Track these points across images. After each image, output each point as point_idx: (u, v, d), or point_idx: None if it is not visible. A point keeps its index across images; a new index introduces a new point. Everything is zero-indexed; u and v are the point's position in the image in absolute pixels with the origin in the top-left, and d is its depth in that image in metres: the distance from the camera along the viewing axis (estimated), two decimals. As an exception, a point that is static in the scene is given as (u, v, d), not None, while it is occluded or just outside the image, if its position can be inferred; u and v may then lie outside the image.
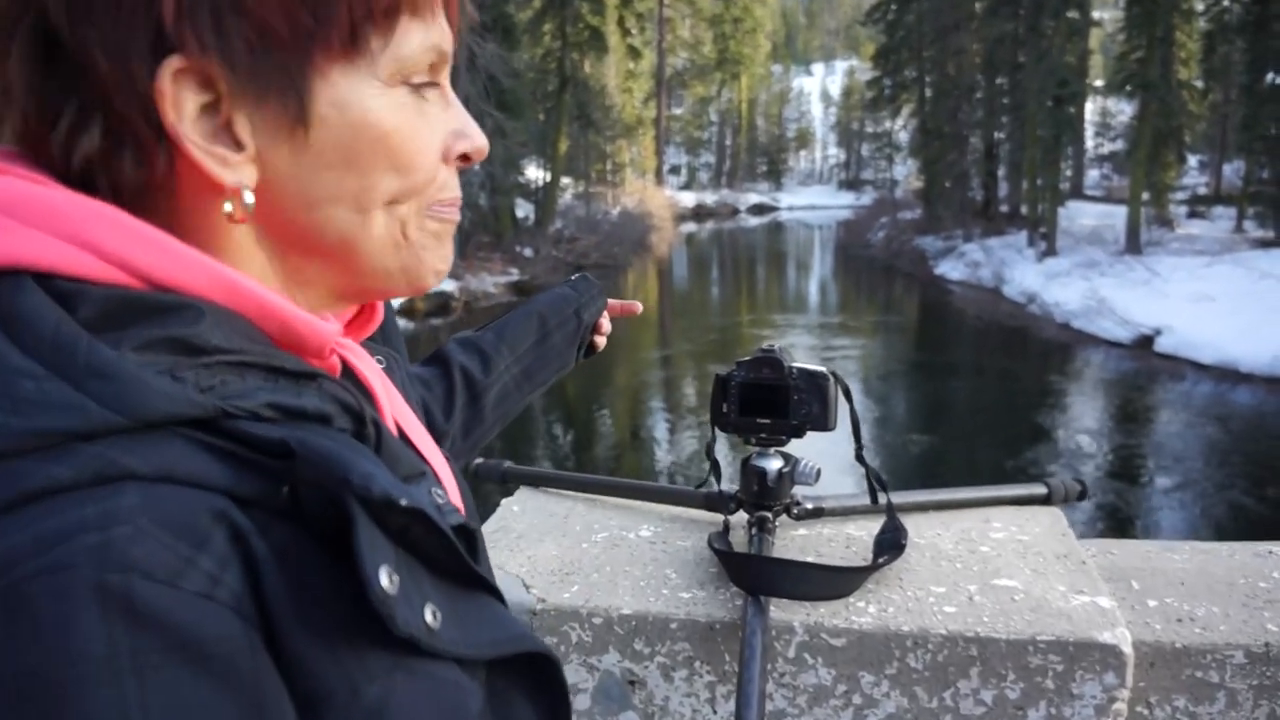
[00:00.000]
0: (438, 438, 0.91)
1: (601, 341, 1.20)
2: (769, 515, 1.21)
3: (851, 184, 72.10)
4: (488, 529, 1.38)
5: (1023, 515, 1.33)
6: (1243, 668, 1.05)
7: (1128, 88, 26.38)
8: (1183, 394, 13.99)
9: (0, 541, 0.34)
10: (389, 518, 0.40)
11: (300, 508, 0.40)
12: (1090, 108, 44.11)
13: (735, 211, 64.66)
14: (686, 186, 69.08)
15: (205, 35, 0.42)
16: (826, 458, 1.26)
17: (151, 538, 0.35)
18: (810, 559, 1.21)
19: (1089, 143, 48.13)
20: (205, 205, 0.46)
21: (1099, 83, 45.80)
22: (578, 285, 1.15)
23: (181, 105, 0.43)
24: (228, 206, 0.46)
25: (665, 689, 1.12)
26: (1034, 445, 11.31)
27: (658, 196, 51.15)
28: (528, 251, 28.64)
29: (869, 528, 1.28)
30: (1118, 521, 8.64)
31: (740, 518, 1.26)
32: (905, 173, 48.78)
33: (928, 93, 34.69)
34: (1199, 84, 30.79)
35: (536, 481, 1.53)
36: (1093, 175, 50.44)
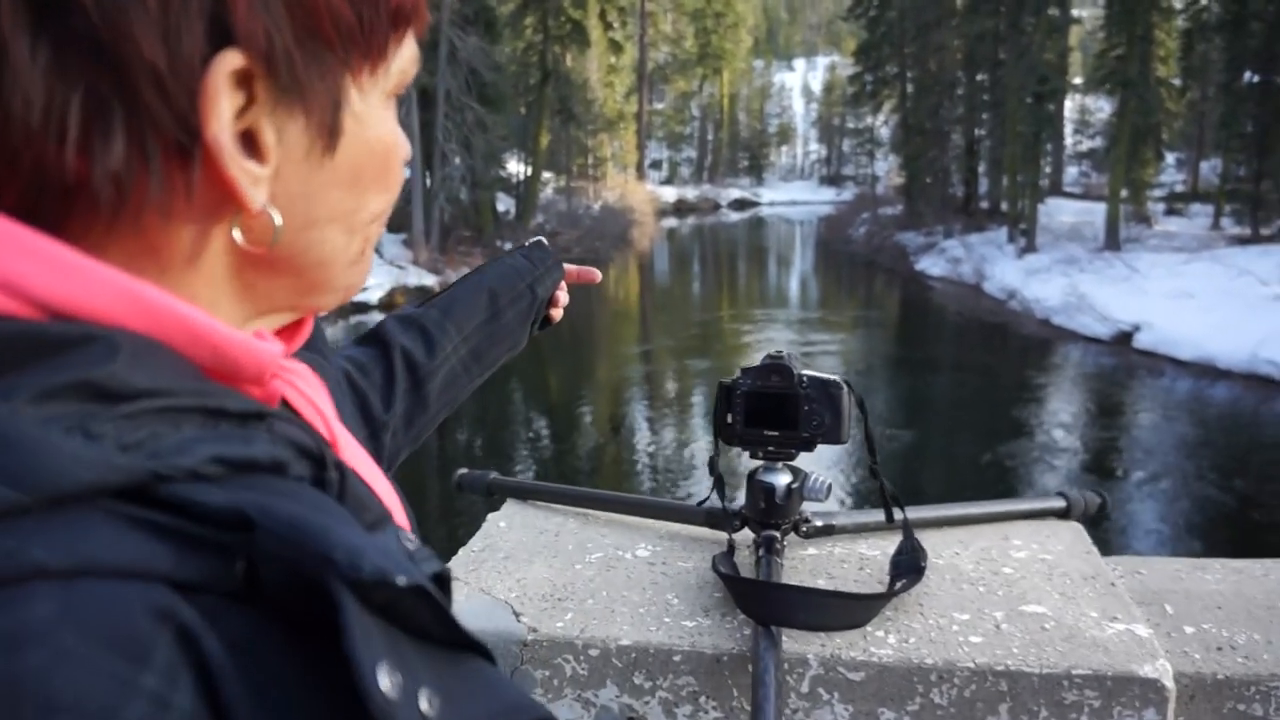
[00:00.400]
0: (377, 430, 0.82)
1: (557, 314, 1.11)
2: (777, 535, 1.13)
3: (833, 180, 72.18)
4: (473, 547, 1.28)
5: (1043, 531, 1.26)
6: (1290, 700, 0.98)
7: (1107, 85, 26.51)
8: (1162, 390, 14.06)
9: None
10: (376, 595, 0.33)
11: (258, 587, 0.32)
12: (1069, 105, 44.36)
13: (717, 206, 64.62)
14: (668, 181, 68.99)
15: (269, 29, 0.37)
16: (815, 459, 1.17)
17: (77, 661, 0.26)
18: (821, 582, 1.12)
19: (1068, 140, 48.42)
20: (202, 232, 0.39)
21: (1078, 80, 46.06)
22: (531, 254, 1.03)
23: (223, 111, 0.36)
24: (237, 234, 0.40)
25: (669, 728, 1.04)
26: (1014, 440, 11.31)
27: (639, 191, 51.02)
28: (508, 246, 28.29)
29: (882, 546, 1.20)
30: (1110, 520, 8.65)
31: (745, 536, 1.17)
32: (886, 168, 48.86)
33: (909, 89, 34.73)
34: (1177, 82, 30.98)
35: (524, 494, 1.43)
36: (1071, 172, 50.76)
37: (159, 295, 0.36)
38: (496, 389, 15.40)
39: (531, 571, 1.19)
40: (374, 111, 0.44)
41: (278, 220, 0.40)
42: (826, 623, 1.01)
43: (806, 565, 1.17)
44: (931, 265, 27.75)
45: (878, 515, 1.22)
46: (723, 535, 1.19)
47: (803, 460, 1.17)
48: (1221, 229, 26.28)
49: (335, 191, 0.44)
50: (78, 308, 0.34)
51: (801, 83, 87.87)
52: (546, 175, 36.75)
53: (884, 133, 42.40)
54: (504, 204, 32.32)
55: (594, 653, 1.03)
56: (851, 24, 43.28)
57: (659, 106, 68.84)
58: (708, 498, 1.25)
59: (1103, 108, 51.94)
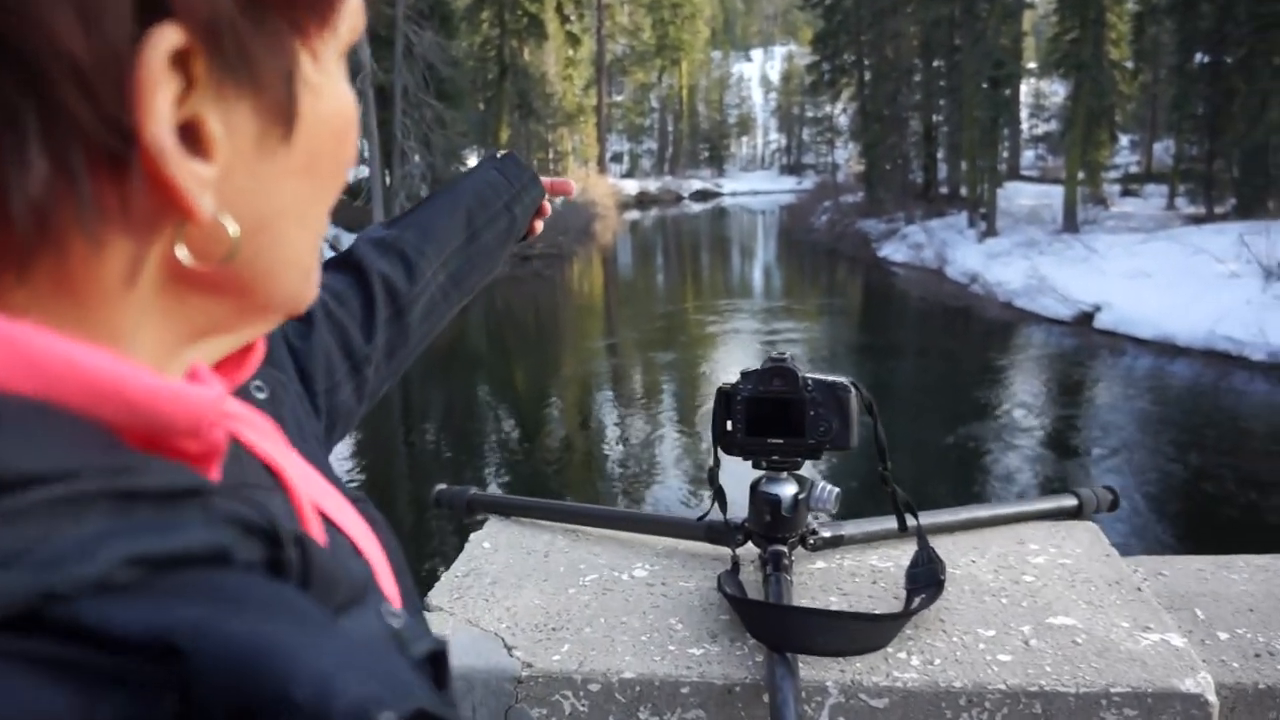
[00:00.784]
0: (359, 364, 0.75)
1: (540, 226, 1.01)
2: (784, 550, 1.05)
3: (793, 169, 72.54)
4: (457, 571, 1.19)
5: (1058, 533, 1.20)
6: (1338, 710, 0.92)
7: (1061, 69, 26.79)
8: (1123, 369, 14.24)
9: None
10: None
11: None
12: (1024, 89, 44.85)
13: (679, 198, 64.58)
14: (629, 174, 68.84)
15: None
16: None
17: None
18: (834, 599, 1.05)
19: (1024, 124, 49.00)
20: (136, 255, 0.31)
21: (1032, 65, 46.59)
22: (505, 168, 0.93)
23: (160, 103, 0.29)
24: (182, 251, 0.32)
25: (679, 767, 0.95)
26: (979, 422, 11.40)
27: (601, 184, 50.82)
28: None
29: (894, 556, 1.13)
30: (1067, 487, 8.74)
31: (749, 551, 1.10)
32: (846, 156, 49.15)
33: (867, 76, 34.88)
34: (1129, 64, 31.41)
35: (507, 510, 1.34)
36: (1028, 156, 51.43)
37: (48, 341, 0.28)
38: (462, 387, 15.24)
39: (522, 598, 1.10)
40: (330, 81, 0.37)
41: (232, 229, 0.33)
42: (845, 646, 0.93)
43: (816, 581, 1.10)
44: (894, 251, 27.92)
45: (886, 523, 1.15)
46: (725, 551, 1.12)
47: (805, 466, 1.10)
48: (1176, 209, 26.72)
49: (290, 182, 0.36)
50: None
51: (760, 73, 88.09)
52: (507, 170, 36.41)
53: (843, 121, 42.65)
54: (465, 200, 31.97)
55: (594, 687, 0.95)
56: (808, 13, 43.37)
57: (618, 99, 68.64)
58: (707, 512, 1.17)
59: (1057, 91, 52.66)
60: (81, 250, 0.29)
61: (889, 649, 0.94)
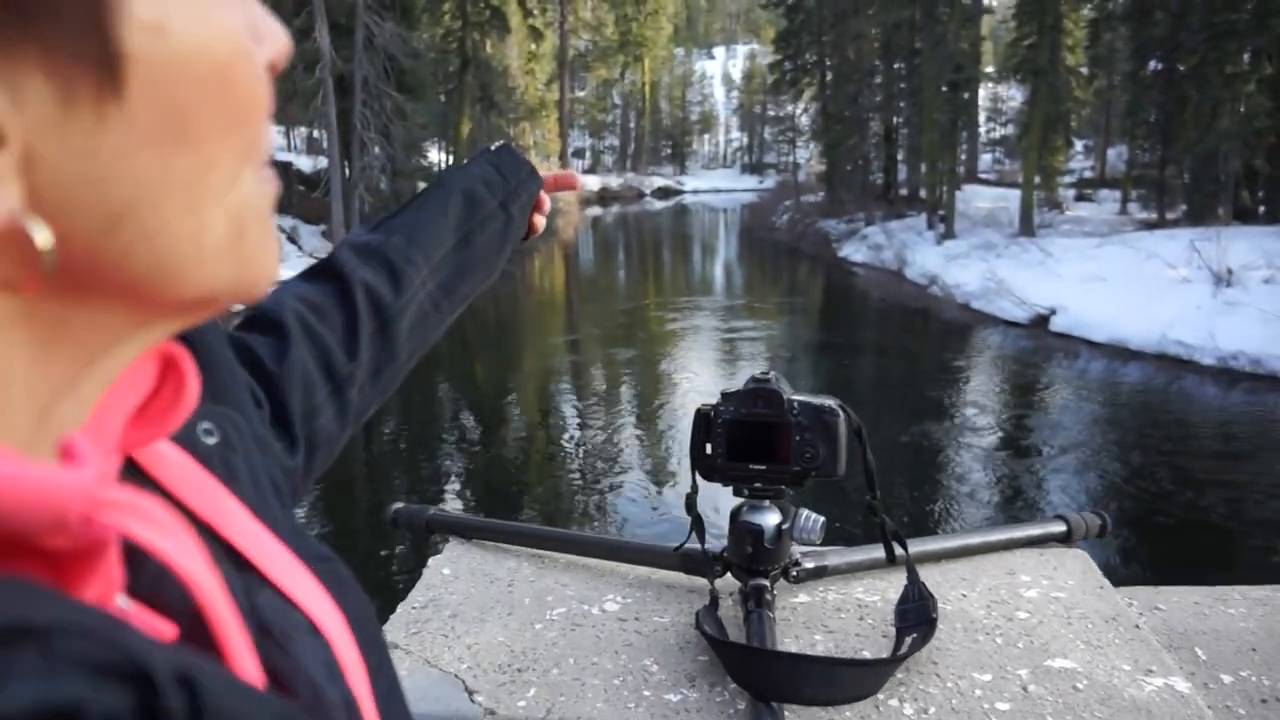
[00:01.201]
0: (341, 384, 0.66)
1: (540, 222, 0.89)
2: (765, 583, 0.98)
3: (755, 167, 72.84)
4: (414, 602, 1.11)
5: (1049, 562, 1.14)
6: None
7: (1019, 74, 27.17)
8: (1077, 371, 14.45)
9: None
10: None
11: None
12: (982, 94, 45.44)
13: (640, 195, 64.53)
14: (591, 170, 68.63)
15: None
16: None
17: None
18: (819, 637, 0.98)
19: (981, 128, 49.65)
20: None
21: (990, 69, 47.23)
22: (501, 161, 0.83)
23: None
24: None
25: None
26: (936, 422, 11.49)
27: (563, 180, 50.52)
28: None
29: (879, 588, 1.06)
30: (1014, 490, 8.83)
31: (729, 583, 1.02)
32: (807, 156, 49.42)
33: (828, 77, 35.08)
34: (1085, 70, 31.93)
35: (468, 532, 1.25)
36: (985, 159, 52.12)
37: None
38: (420, 385, 15.03)
39: (484, 634, 1.02)
40: (183, 7, 0.27)
41: (40, 238, 0.24)
42: (835, 695, 0.87)
43: (800, 616, 1.03)
44: (854, 252, 28.12)
45: (871, 551, 1.09)
46: (703, 582, 1.04)
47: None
48: (1129, 214, 27.24)
49: (145, 155, 0.27)
50: None
51: (722, 71, 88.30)
52: (468, 164, 36.11)
53: (804, 121, 42.82)
54: (425, 194, 31.64)
55: (564, 737, 0.87)
56: (770, 12, 43.52)
57: (581, 94, 68.37)
58: (684, 541, 1.09)
59: (1014, 96, 53.43)
60: None
61: (880, 695, 0.88)
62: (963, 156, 33.77)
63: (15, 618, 0.20)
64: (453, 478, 10.16)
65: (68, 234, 0.25)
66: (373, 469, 10.64)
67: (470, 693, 0.92)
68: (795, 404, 0.97)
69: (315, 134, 27.46)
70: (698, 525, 1.05)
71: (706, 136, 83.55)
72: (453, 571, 1.16)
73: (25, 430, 0.26)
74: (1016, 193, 26.06)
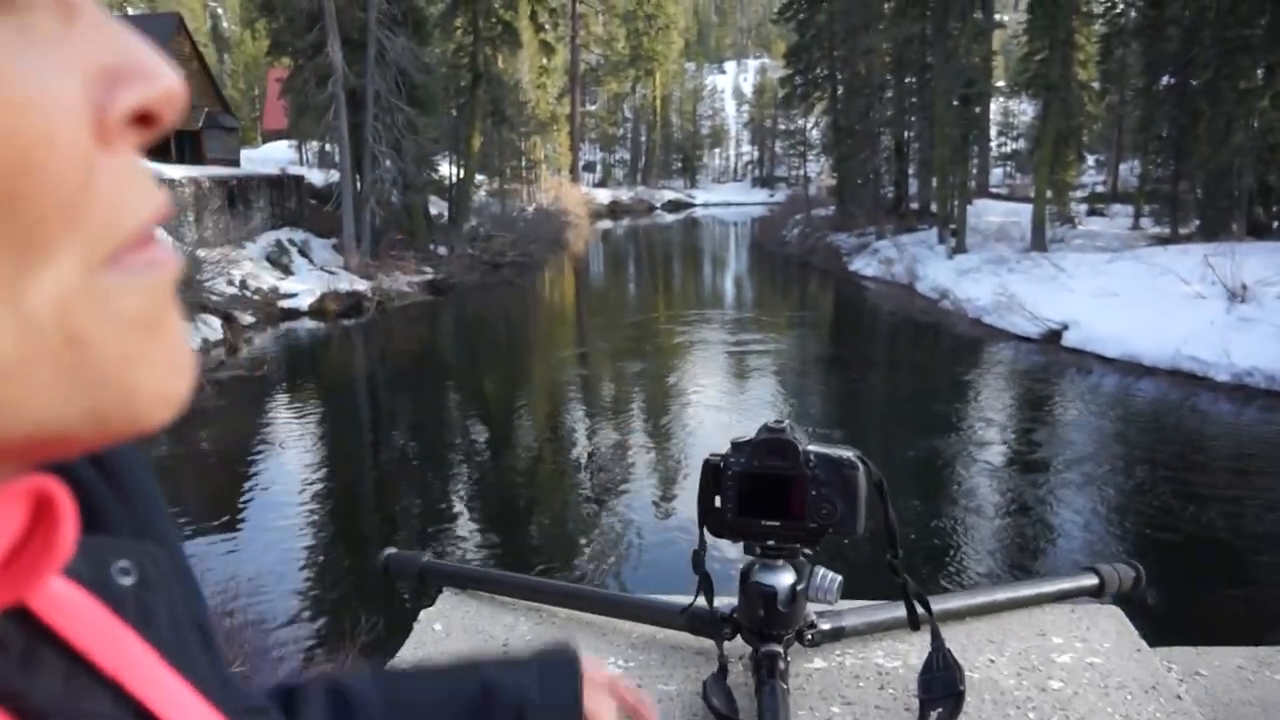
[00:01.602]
0: None
1: None
2: (779, 649, 0.91)
3: (765, 181, 72.87)
4: (404, 657, 1.04)
5: (1081, 620, 1.07)
6: None
7: (1031, 88, 27.10)
8: (1090, 387, 14.31)
9: None
10: None
11: None
12: (993, 108, 45.37)
13: (651, 208, 64.64)
14: (602, 183, 68.79)
15: None
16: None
17: None
18: (836, 710, 0.91)
19: (992, 142, 49.56)
20: None
21: (1001, 83, 47.17)
22: (545, 677, 0.61)
23: None
24: None
25: None
26: (948, 437, 11.38)
27: (573, 193, 50.70)
28: (442, 250, 27.92)
29: (900, 651, 0.99)
30: (1028, 504, 8.71)
31: (739, 646, 0.95)
32: (818, 170, 49.38)
33: (839, 91, 35.07)
34: (1096, 85, 31.85)
35: (463, 582, 1.18)
36: (997, 173, 52.02)
37: None
38: (430, 403, 15.01)
39: (476, 699, 0.95)
40: None
41: None
42: (856, 781, 0.80)
43: (815, 685, 0.96)
44: (865, 266, 28.03)
45: (891, 610, 1.02)
46: (710, 644, 0.97)
47: None
48: (1142, 229, 27.08)
49: None
50: None
51: (733, 85, 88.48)
52: (480, 178, 36.22)
53: (815, 135, 42.79)
54: (437, 207, 31.74)
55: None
56: (781, 26, 43.58)
57: (592, 108, 68.60)
58: (692, 602, 1.01)
59: (1025, 110, 53.35)
60: None
61: (904, 778, 0.81)
62: (974, 171, 33.70)
63: None
64: (456, 497, 10.09)
65: None
66: (383, 485, 10.59)
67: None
68: (811, 455, 0.89)
69: (327, 148, 27.57)
70: (706, 585, 0.97)
71: (717, 150, 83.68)
72: (445, 627, 1.09)
73: None
74: (1028, 207, 25.95)
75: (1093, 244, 24.60)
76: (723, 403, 13.26)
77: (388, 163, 24.95)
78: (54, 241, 0.23)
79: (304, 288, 22.02)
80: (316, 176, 29.98)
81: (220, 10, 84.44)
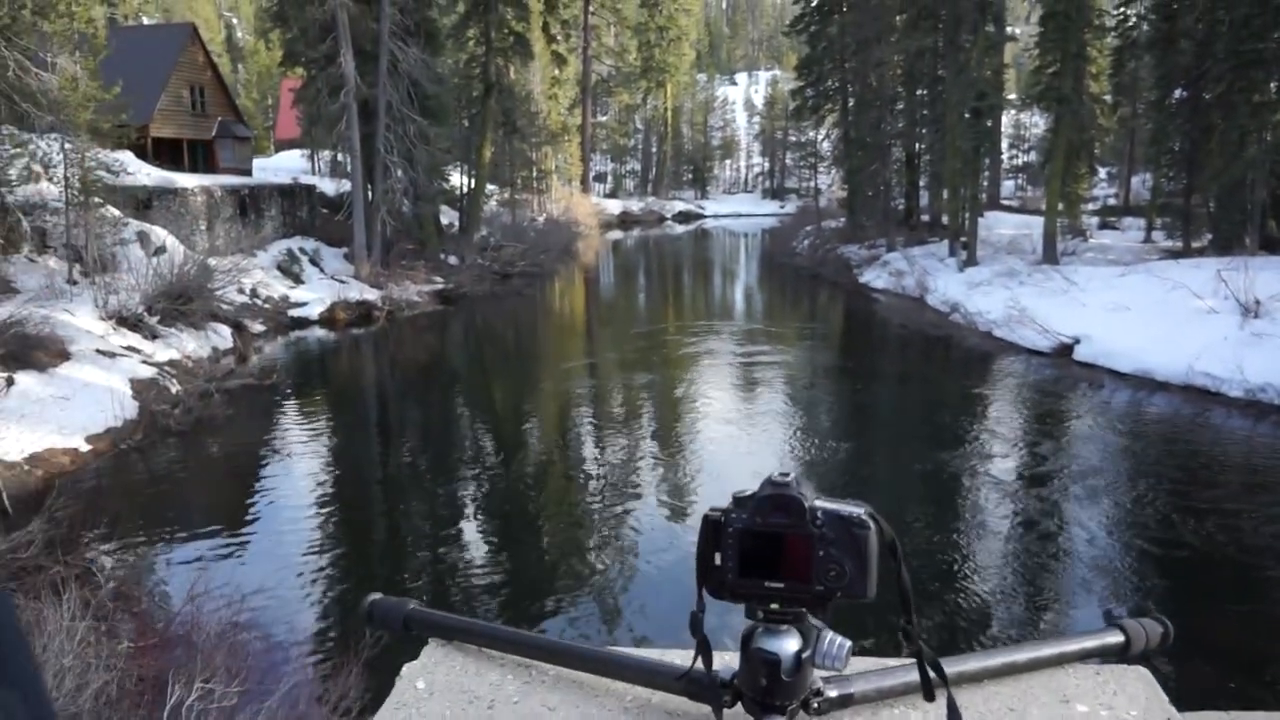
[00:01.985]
0: None
1: None
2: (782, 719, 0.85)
3: (776, 192, 72.87)
4: (384, 719, 0.98)
5: (1107, 684, 1.01)
6: None
7: (1043, 101, 27.01)
8: (1102, 403, 14.20)
9: None
10: None
11: None
12: (1005, 120, 45.31)
13: (661, 219, 64.72)
14: (612, 194, 68.90)
15: None
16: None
17: None
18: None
19: (1004, 154, 49.44)
20: None
21: (1012, 96, 47.08)
22: None
23: None
24: None
25: None
26: (958, 452, 11.29)
27: (584, 204, 50.78)
28: (453, 259, 27.97)
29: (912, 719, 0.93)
30: (1040, 525, 8.59)
31: (739, 714, 0.90)
32: (829, 182, 49.34)
33: (850, 103, 35.07)
34: (1108, 98, 31.74)
35: (449, 634, 1.13)
36: (1008, 186, 51.83)
37: None
38: (438, 407, 14.99)
39: (460, 768, 0.89)
40: None
41: None
42: None
43: (821, 758, 0.90)
44: (875, 278, 27.96)
45: (902, 675, 0.95)
46: (709, 710, 0.91)
47: None
48: (1154, 242, 26.94)
49: None
50: None
51: (744, 96, 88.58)
52: (491, 188, 36.30)
53: (826, 146, 42.78)
54: (448, 217, 31.82)
55: None
56: (793, 39, 43.63)
57: (603, 119, 68.76)
58: (690, 667, 0.95)
59: (1037, 123, 53.22)
60: None
61: None
62: (985, 183, 33.59)
63: None
64: (458, 512, 10.04)
65: None
66: (384, 497, 10.55)
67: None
68: (819, 513, 0.83)
69: (339, 157, 27.69)
70: (704, 649, 0.91)
71: (728, 161, 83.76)
72: (428, 685, 1.03)
73: None
74: (1039, 220, 25.84)
75: (1104, 257, 24.47)
76: (731, 415, 13.19)
77: (399, 172, 25.02)
78: None
79: (314, 296, 22.06)
80: (328, 186, 30.12)
81: (235, 20, 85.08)
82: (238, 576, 7.51)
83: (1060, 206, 24.67)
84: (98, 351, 13.73)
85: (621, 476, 10.69)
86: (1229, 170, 20.74)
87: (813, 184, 48.22)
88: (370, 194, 25.16)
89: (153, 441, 11.90)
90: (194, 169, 27.97)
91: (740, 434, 12.20)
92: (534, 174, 42.08)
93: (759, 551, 0.84)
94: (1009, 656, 1.02)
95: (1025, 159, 59.93)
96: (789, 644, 0.85)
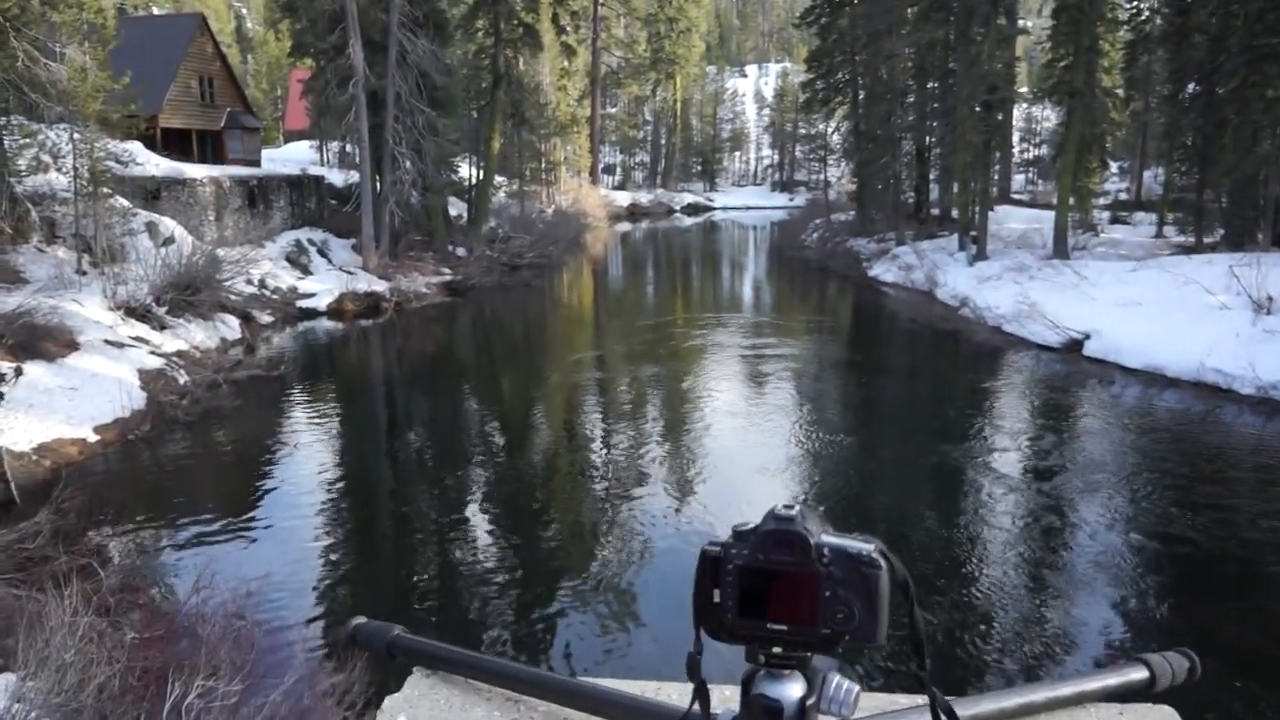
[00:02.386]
0: None
1: None
2: None
3: (785, 185, 72.65)
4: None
5: None
6: None
7: (1055, 95, 26.81)
8: (1112, 399, 14.12)
9: None
10: None
11: None
12: (1016, 113, 44.99)
13: (670, 211, 64.57)
14: (621, 186, 68.75)
15: None
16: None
17: None
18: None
19: (1014, 148, 49.13)
20: None
21: (1024, 89, 46.77)
22: None
23: None
24: None
25: None
26: (965, 446, 11.24)
27: (593, 195, 50.67)
28: (461, 251, 27.94)
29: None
30: (1045, 513, 8.54)
31: None
32: (838, 175, 49.14)
33: (860, 96, 34.88)
34: (1120, 92, 31.49)
35: (435, 662, 1.09)
36: (1019, 180, 51.53)
37: None
38: (446, 396, 14.98)
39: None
40: None
41: None
42: None
43: (825, 812, 0.86)
44: (884, 271, 27.84)
45: (914, 717, 0.92)
46: None
47: None
48: (1165, 237, 26.73)
49: None
50: None
51: (754, 88, 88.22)
52: (499, 179, 36.24)
53: (836, 139, 42.58)
54: (456, 208, 31.78)
55: None
56: (803, 31, 43.40)
57: (612, 111, 68.56)
58: (687, 713, 0.91)
59: (1048, 116, 52.87)
60: None
61: None
62: (995, 177, 33.39)
63: None
64: (462, 507, 10.04)
65: None
66: (389, 491, 10.55)
67: None
68: (826, 549, 0.78)
69: (348, 148, 27.67)
70: (701, 694, 0.87)
71: (737, 154, 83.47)
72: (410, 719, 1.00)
73: None
74: (1050, 214, 25.67)
75: (1115, 252, 24.31)
76: (738, 409, 13.16)
77: (408, 164, 24.98)
78: None
79: (322, 288, 22.07)
80: (337, 177, 30.11)
81: (244, 11, 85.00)
82: (244, 568, 7.52)
83: (1071, 201, 24.49)
84: (106, 342, 13.75)
85: (627, 470, 10.67)
86: (1242, 165, 20.56)
87: (822, 177, 48.03)
88: (379, 185, 25.14)
89: (160, 432, 11.93)
90: (203, 160, 27.98)
91: (747, 427, 12.17)
92: (543, 165, 42.00)
93: (761, 591, 0.79)
94: (1026, 697, 0.99)
95: (1036, 153, 59.58)
96: (792, 690, 0.81)
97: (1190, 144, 25.27)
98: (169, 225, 19.40)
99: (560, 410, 14.30)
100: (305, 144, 40.99)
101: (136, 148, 20.27)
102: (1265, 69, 19.93)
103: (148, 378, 13.13)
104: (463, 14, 31.31)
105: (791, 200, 62.70)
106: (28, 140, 16.41)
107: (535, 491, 10.31)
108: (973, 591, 7.37)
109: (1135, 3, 31.62)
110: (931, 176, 33.55)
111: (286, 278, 22.27)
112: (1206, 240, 23.65)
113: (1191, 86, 24.94)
